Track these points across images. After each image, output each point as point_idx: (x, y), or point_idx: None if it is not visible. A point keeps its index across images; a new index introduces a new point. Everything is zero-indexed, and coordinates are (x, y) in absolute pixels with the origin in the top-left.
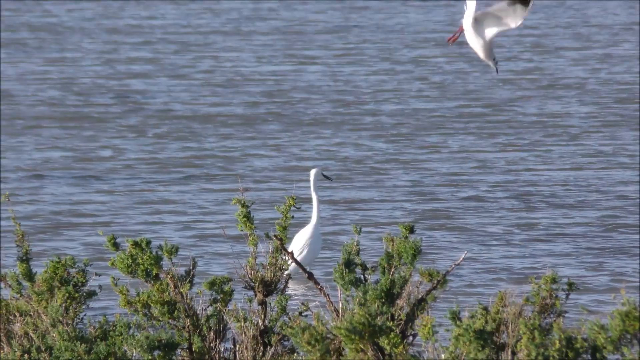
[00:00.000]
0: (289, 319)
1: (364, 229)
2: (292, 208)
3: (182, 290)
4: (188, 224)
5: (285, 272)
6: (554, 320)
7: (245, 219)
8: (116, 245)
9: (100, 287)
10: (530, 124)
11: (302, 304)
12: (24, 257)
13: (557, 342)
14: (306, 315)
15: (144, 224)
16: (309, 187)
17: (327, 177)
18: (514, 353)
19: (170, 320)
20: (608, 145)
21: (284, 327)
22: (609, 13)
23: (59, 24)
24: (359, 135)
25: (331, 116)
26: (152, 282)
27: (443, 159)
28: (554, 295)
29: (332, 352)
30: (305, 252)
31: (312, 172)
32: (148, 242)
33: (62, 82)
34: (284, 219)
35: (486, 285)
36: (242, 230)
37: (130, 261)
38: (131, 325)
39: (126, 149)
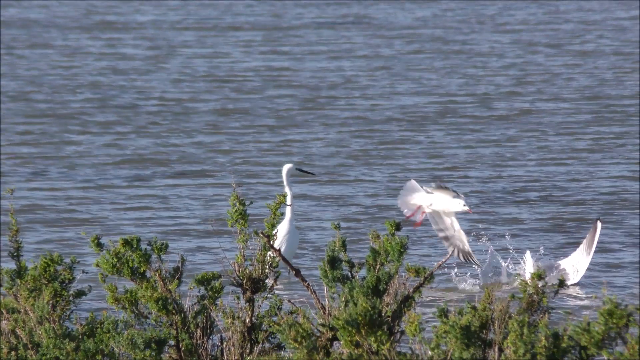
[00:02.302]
0: (277, 315)
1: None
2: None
3: (170, 287)
4: (150, 219)
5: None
6: (541, 317)
7: (240, 215)
8: (100, 246)
9: (89, 287)
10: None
11: (289, 301)
12: (15, 254)
13: (544, 339)
14: (291, 312)
15: (106, 220)
16: (282, 182)
17: (306, 172)
18: (501, 350)
19: (163, 317)
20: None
21: (271, 324)
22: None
23: (34, 20)
24: (330, 131)
25: (301, 111)
26: (139, 280)
27: (418, 154)
28: (540, 292)
29: (319, 349)
30: (283, 248)
31: (285, 167)
32: (138, 240)
33: (31, 77)
34: (273, 216)
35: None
36: (232, 227)
37: (115, 260)
38: (119, 322)
39: (93, 144)
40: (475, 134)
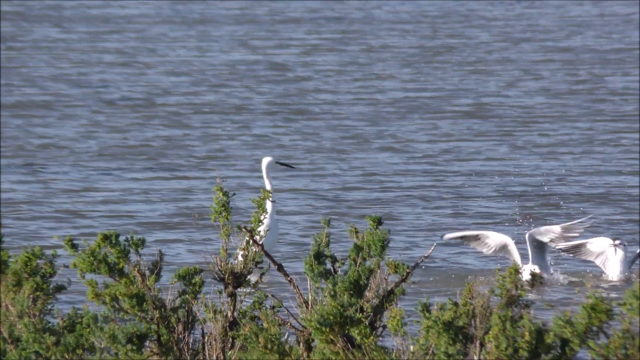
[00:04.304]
0: (259, 310)
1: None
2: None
3: (148, 283)
4: (126, 212)
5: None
6: (522, 312)
7: (223, 207)
8: (74, 247)
9: (69, 281)
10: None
11: (273, 295)
12: None
13: (527, 334)
14: (277, 311)
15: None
16: (262, 176)
17: (285, 165)
18: (482, 345)
19: (138, 313)
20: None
21: (238, 336)
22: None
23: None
24: (309, 125)
25: (273, 105)
26: (117, 276)
27: (389, 149)
28: (518, 286)
29: (302, 343)
30: (262, 241)
31: (265, 161)
32: (117, 235)
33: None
34: (259, 211)
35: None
36: (215, 221)
37: (92, 259)
38: (99, 317)
39: (61, 136)
40: (450, 128)
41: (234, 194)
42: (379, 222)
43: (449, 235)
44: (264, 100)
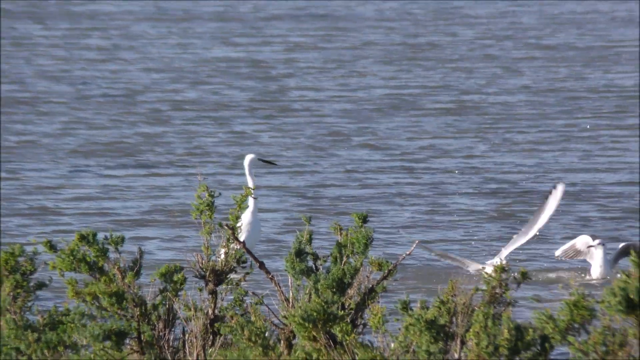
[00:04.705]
0: (232, 313)
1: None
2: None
3: (127, 281)
4: (99, 210)
5: None
6: (504, 310)
7: (207, 207)
8: (53, 248)
9: (50, 278)
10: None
11: (254, 293)
12: None
13: (506, 331)
14: (258, 308)
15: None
16: (244, 173)
17: (268, 162)
18: (463, 342)
19: (118, 311)
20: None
21: (223, 327)
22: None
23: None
24: (289, 122)
25: (254, 102)
26: (97, 274)
27: (369, 145)
28: (504, 284)
29: (283, 341)
30: (244, 238)
31: (247, 158)
32: (94, 234)
33: None
34: (238, 207)
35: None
36: (196, 219)
37: (72, 258)
38: (83, 314)
39: (39, 132)
40: (430, 125)
41: (220, 194)
42: (364, 219)
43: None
44: (244, 98)
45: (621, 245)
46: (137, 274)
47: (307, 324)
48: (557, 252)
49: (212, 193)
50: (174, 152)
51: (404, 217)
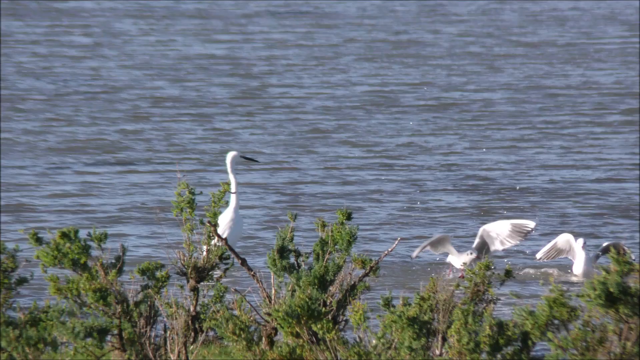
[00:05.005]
0: (219, 307)
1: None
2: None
3: (109, 277)
4: (81, 206)
5: None
6: (485, 307)
7: (188, 204)
8: (39, 241)
9: (32, 274)
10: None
11: (235, 290)
12: None
13: (488, 327)
14: (235, 303)
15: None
16: (226, 170)
17: (250, 159)
18: (444, 339)
19: (102, 307)
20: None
21: (209, 319)
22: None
23: None
24: (269, 119)
25: (235, 99)
26: (80, 270)
27: (351, 142)
28: (486, 282)
29: (264, 338)
30: (226, 235)
31: (229, 155)
32: (76, 232)
33: None
34: (214, 204)
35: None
36: (177, 216)
37: (56, 253)
38: (63, 311)
39: (18, 129)
40: (411, 122)
41: (201, 192)
42: (349, 216)
43: (416, 252)
44: (225, 95)
45: (604, 244)
46: (120, 271)
47: (290, 320)
48: (539, 255)
49: (193, 190)
50: (153, 149)
51: (384, 213)
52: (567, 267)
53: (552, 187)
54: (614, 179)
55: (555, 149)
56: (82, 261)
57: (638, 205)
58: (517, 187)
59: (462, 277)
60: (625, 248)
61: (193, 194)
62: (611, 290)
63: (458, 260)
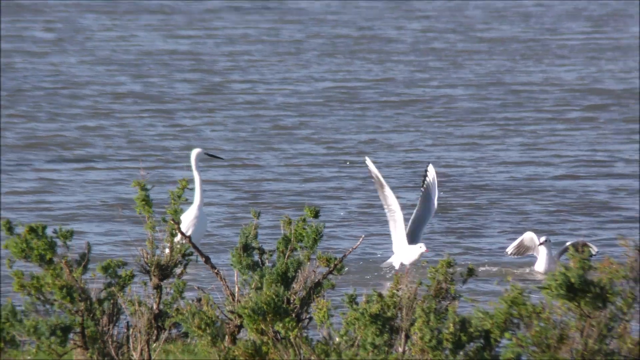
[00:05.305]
0: (185, 302)
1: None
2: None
3: (75, 275)
4: (44, 204)
5: None
6: (449, 304)
7: (144, 202)
8: (11, 230)
9: None
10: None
11: (199, 287)
12: None
13: (452, 325)
14: (199, 300)
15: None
16: (190, 167)
17: (214, 156)
18: (407, 336)
19: (67, 304)
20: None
21: (176, 314)
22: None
23: None
24: (231, 115)
25: (197, 95)
26: (47, 266)
27: (313, 139)
28: (449, 279)
29: (227, 336)
30: (190, 233)
31: (194, 152)
32: (44, 228)
33: None
34: (174, 202)
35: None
36: (140, 214)
37: (25, 246)
38: (13, 311)
39: None
40: (373, 118)
41: (153, 187)
42: (316, 214)
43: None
44: (187, 91)
45: (567, 243)
46: (85, 269)
47: (256, 317)
48: (508, 250)
49: (146, 187)
50: (114, 145)
51: (345, 210)
52: (531, 264)
53: (512, 184)
54: (574, 176)
55: (516, 146)
56: (47, 257)
57: (598, 202)
58: (478, 184)
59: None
60: (591, 245)
61: (146, 190)
62: (572, 281)
63: (408, 253)
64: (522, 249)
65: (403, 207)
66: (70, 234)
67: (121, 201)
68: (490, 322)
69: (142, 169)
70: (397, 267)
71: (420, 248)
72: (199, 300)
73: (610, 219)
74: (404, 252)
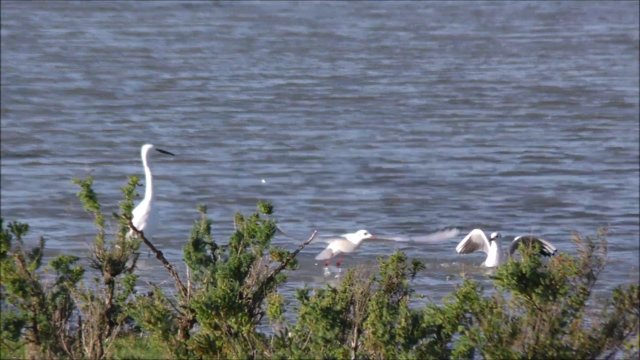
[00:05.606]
0: (137, 297)
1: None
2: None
3: (29, 269)
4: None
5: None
6: (400, 299)
7: (87, 198)
8: None
9: None
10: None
11: (150, 282)
12: None
13: (403, 320)
14: (151, 294)
15: None
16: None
17: (166, 152)
18: (360, 331)
19: (19, 298)
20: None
21: (128, 308)
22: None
23: None
24: (180, 112)
25: (148, 92)
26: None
27: (264, 135)
28: (400, 274)
29: (180, 330)
30: (142, 228)
31: (144, 148)
32: (0, 221)
33: None
34: (127, 197)
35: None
36: (88, 210)
37: None
38: None
39: None
40: (323, 115)
41: (91, 180)
42: (269, 209)
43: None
44: (137, 87)
45: (516, 238)
46: (39, 263)
47: (209, 312)
48: (458, 248)
49: (86, 184)
50: (63, 141)
51: (295, 206)
52: (481, 260)
53: (461, 180)
54: (522, 172)
55: (464, 142)
56: (2, 250)
57: (545, 198)
58: (426, 180)
59: (327, 265)
60: (547, 243)
61: (88, 186)
62: (524, 271)
63: (349, 241)
64: (470, 247)
65: (351, 203)
66: (25, 227)
67: (70, 197)
68: (442, 318)
69: (87, 164)
70: (328, 256)
71: (364, 234)
72: (151, 294)
73: (557, 215)
74: (344, 240)
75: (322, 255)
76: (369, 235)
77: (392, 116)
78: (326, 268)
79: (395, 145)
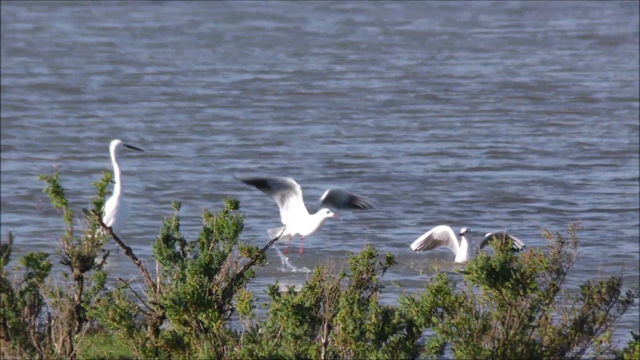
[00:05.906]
0: (98, 297)
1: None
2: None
3: None
4: None
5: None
6: (371, 295)
7: (54, 194)
8: None
9: None
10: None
11: (120, 278)
12: None
13: (374, 316)
14: (123, 290)
15: None
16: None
17: (134, 148)
18: (329, 327)
19: None
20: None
21: (89, 309)
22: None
23: None
24: (146, 107)
25: (113, 87)
26: None
27: (229, 131)
28: (370, 270)
29: (150, 327)
30: (110, 224)
31: (113, 144)
32: None
33: None
34: (99, 193)
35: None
36: (57, 207)
37: None
38: None
39: None
40: (288, 111)
41: (58, 176)
42: (236, 205)
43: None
44: (102, 82)
45: (487, 234)
46: (7, 259)
47: (178, 308)
48: (413, 246)
49: (52, 179)
50: (29, 137)
51: (259, 202)
52: (451, 255)
53: (425, 175)
54: (487, 168)
55: (430, 138)
56: None
57: (510, 193)
58: (392, 176)
59: (286, 252)
60: (515, 239)
61: (53, 182)
62: (494, 265)
63: (310, 221)
64: (430, 243)
65: (317, 198)
66: None
67: (35, 193)
68: (415, 309)
69: (53, 160)
70: (279, 235)
71: (327, 213)
72: (119, 289)
73: (522, 210)
74: (304, 221)
75: (276, 234)
76: (331, 214)
77: (358, 111)
78: (286, 258)
79: (361, 141)
